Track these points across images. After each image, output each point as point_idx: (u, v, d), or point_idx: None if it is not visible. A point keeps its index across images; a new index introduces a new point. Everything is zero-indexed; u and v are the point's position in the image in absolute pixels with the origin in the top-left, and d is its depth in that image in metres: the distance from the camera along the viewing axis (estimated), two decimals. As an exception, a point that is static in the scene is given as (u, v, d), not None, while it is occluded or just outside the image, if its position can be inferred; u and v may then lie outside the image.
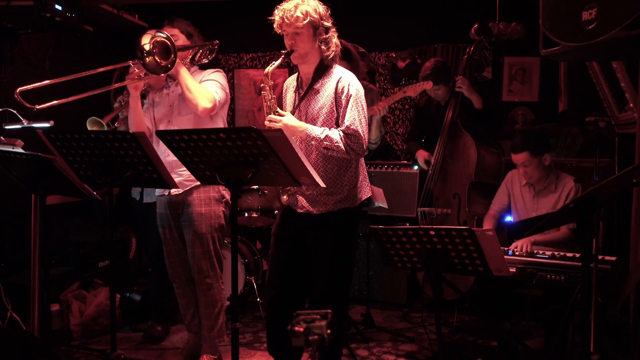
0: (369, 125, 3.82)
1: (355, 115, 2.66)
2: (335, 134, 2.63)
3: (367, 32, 5.20)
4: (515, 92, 5.24)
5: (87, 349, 3.63)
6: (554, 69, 4.97)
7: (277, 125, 2.61)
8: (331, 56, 2.74)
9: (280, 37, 2.78)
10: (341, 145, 2.62)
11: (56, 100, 2.95)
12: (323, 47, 2.71)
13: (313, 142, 2.65)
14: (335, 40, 2.75)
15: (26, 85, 2.93)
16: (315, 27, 2.67)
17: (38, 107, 2.92)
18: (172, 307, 3.89)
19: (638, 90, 3.25)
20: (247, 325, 4.10)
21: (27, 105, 2.87)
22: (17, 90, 2.87)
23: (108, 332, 3.08)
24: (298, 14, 2.62)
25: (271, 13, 2.71)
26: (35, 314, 3.22)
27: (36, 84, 2.95)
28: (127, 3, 4.72)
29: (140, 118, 3.17)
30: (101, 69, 3.17)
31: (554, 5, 2.12)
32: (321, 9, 2.70)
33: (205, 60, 3.31)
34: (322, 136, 2.61)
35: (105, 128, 3.60)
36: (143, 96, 3.32)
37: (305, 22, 2.63)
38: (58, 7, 3.72)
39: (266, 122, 2.69)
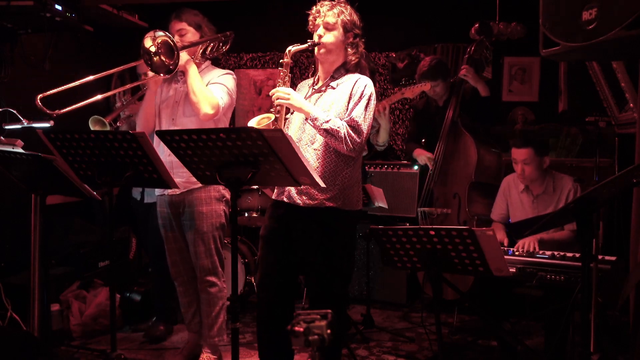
0: (377, 129, 3.86)
1: (362, 112, 2.68)
2: (339, 121, 2.64)
3: (366, 32, 5.18)
4: (515, 92, 5.24)
5: (87, 349, 3.63)
6: (554, 69, 4.97)
7: (286, 95, 2.62)
8: (354, 62, 2.81)
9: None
10: (341, 132, 2.60)
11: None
12: (349, 49, 2.80)
13: (316, 123, 2.62)
14: (361, 49, 2.83)
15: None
16: (346, 29, 2.77)
17: (58, 112, 2.95)
18: (172, 307, 3.90)
19: (638, 90, 3.25)
20: (247, 325, 4.10)
21: (48, 111, 2.90)
22: (39, 97, 2.90)
23: (108, 332, 3.08)
24: (335, 10, 2.75)
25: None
26: (35, 314, 3.23)
27: (60, 88, 2.98)
28: (127, 3, 4.72)
29: (152, 112, 3.23)
30: (118, 69, 3.22)
31: (554, 5, 2.12)
32: (355, 16, 2.82)
33: (222, 50, 3.29)
34: (327, 118, 2.62)
35: (108, 127, 3.60)
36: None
37: (338, 19, 2.74)
38: (58, 7, 3.72)
39: (272, 92, 2.66)
